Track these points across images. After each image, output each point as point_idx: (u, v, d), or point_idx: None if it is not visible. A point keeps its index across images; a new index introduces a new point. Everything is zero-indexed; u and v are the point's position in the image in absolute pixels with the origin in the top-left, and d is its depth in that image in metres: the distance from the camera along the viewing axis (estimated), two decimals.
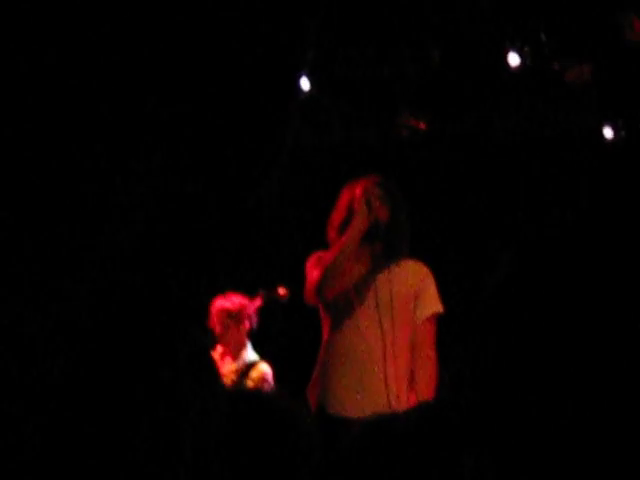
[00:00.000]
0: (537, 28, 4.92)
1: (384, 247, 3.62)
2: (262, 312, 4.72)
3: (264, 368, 4.86)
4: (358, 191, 3.59)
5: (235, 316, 4.80)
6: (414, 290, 3.59)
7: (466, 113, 5.10)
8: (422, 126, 4.84)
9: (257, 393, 3.94)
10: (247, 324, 4.89)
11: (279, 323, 5.17)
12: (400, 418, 2.10)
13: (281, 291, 4.56)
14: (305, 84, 4.90)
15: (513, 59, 5.23)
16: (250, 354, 4.91)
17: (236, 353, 4.89)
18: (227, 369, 4.89)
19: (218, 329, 4.82)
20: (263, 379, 4.83)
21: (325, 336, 3.66)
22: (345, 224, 3.58)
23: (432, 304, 3.61)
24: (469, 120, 5.07)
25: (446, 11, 4.81)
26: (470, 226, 5.15)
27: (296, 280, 3.70)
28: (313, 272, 3.60)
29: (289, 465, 2.01)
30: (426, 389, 3.53)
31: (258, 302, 4.63)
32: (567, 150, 4.89)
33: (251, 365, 4.87)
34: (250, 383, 4.82)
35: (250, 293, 4.68)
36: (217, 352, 4.93)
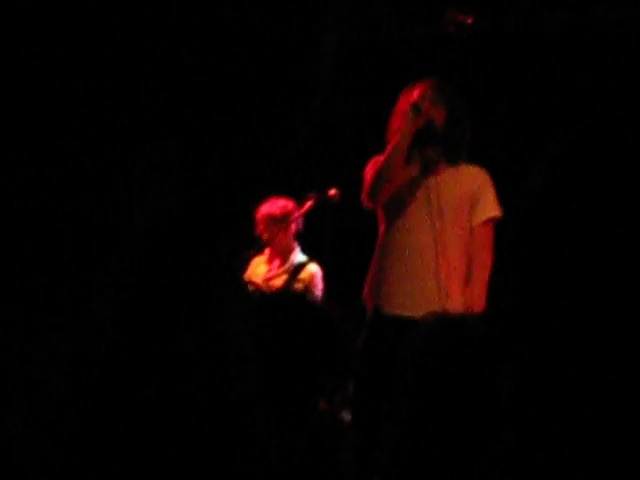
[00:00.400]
0: None
1: (440, 150, 3.62)
2: (315, 214, 4.72)
3: (313, 269, 4.90)
4: (413, 95, 3.57)
5: (280, 220, 4.82)
6: (470, 194, 3.60)
7: (513, 6, 4.99)
8: (469, 21, 4.74)
9: (301, 295, 3.99)
10: (293, 227, 4.92)
11: (331, 224, 5.19)
12: (452, 322, 2.13)
13: (332, 192, 4.56)
14: None
15: None
16: (299, 256, 4.95)
17: (285, 256, 4.94)
18: (276, 272, 4.94)
19: (265, 235, 4.85)
20: (312, 279, 4.88)
21: (380, 238, 3.70)
22: None
23: (489, 208, 3.62)
24: (517, 13, 4.96)
25: None
26: (516, 122, 5.08)
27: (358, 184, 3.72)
28: (369, 175, 3.64)
29: (326, 367, 2.05)
30: (478, 294, 3.57)
31: (308, 205, 4.63)
32: (618, 44, 4.78)
33: (300, 266, 4.92)
34: (299, 284, 4.87)
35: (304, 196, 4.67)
36: (266, 256, 4.97)
